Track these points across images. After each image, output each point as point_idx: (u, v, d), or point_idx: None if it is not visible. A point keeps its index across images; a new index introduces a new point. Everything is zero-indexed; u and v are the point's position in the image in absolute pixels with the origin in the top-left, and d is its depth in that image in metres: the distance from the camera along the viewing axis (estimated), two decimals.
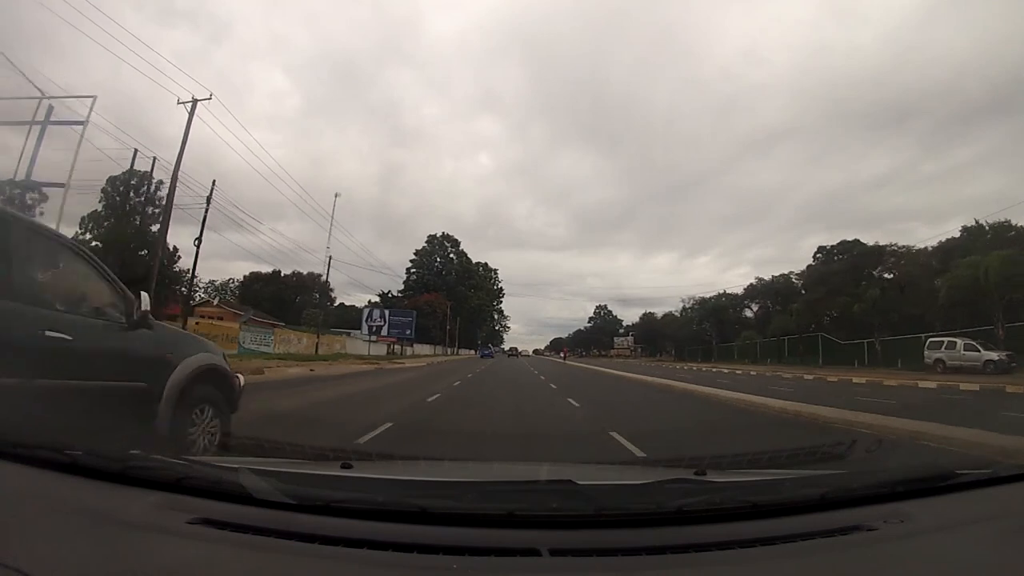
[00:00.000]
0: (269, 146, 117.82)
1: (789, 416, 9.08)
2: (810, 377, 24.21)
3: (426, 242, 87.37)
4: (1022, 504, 1.42)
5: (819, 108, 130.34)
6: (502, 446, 6.13)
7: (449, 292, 77.48)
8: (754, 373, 28.89)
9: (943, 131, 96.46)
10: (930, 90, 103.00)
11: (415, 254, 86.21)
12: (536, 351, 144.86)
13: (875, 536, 1.19)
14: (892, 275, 39.97)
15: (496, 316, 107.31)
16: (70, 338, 2.93)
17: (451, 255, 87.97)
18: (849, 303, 39.18)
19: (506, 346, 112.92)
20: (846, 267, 42.97)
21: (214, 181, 24.33)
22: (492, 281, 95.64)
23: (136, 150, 27.45)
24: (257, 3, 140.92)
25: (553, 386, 16.41)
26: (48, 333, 2.81)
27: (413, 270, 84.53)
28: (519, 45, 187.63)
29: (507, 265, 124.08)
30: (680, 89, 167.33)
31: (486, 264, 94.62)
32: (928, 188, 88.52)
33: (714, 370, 34.67)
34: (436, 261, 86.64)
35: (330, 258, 38.93)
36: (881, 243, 42.34)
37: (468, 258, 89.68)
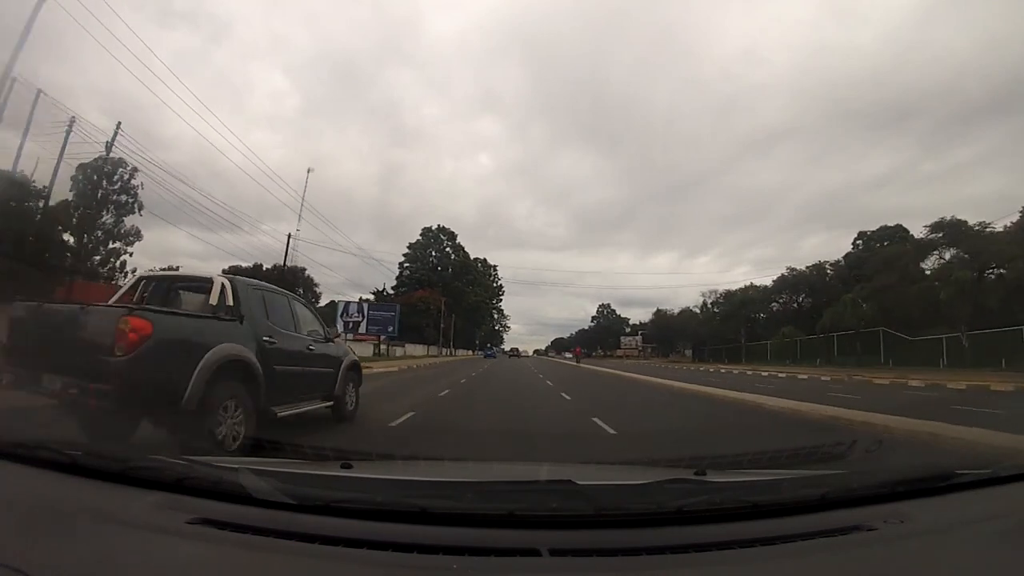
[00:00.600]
0: (269, 146, 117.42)
1: None
2: (920, 383, 17.35)
3: (420, 235, 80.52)
4: (1022, 504, 1.42)
5: (819, 108, 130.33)
6: None
7: (445, 288, 72.35)
8: (804, 377, 24.11)
9: (943, 131, 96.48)
10: (930, 90, 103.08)
11: (408, 247, 79.17)
12: (537, 351, 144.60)
13: (875, 536, 1.19)
14: (964, 256, 33.15)
15: (496, 315, 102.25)
16: (313, 349, 6.36)
17: (447, 249, 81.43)
18: (930, 290, 32.01)
19: (506, 346, 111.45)
20: (898, 251, 36.26)
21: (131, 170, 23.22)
22: (491, 278, 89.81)
23: (117, 127, 25.93)
24: (257, 3, 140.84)
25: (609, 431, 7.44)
26: (309, 347, 6.27)
27: (406, 264, 77.75)
28: (519, 45, 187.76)
29: (507, 265, 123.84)
30: (680, 89, 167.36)
31: (485, 260, 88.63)
32: (928, 188, 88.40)
33: (756, 373, 28.35)
34: (431, 255, 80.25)
35: (289, 236, 35.45)
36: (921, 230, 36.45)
37: (466, 252, 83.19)
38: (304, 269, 49.60)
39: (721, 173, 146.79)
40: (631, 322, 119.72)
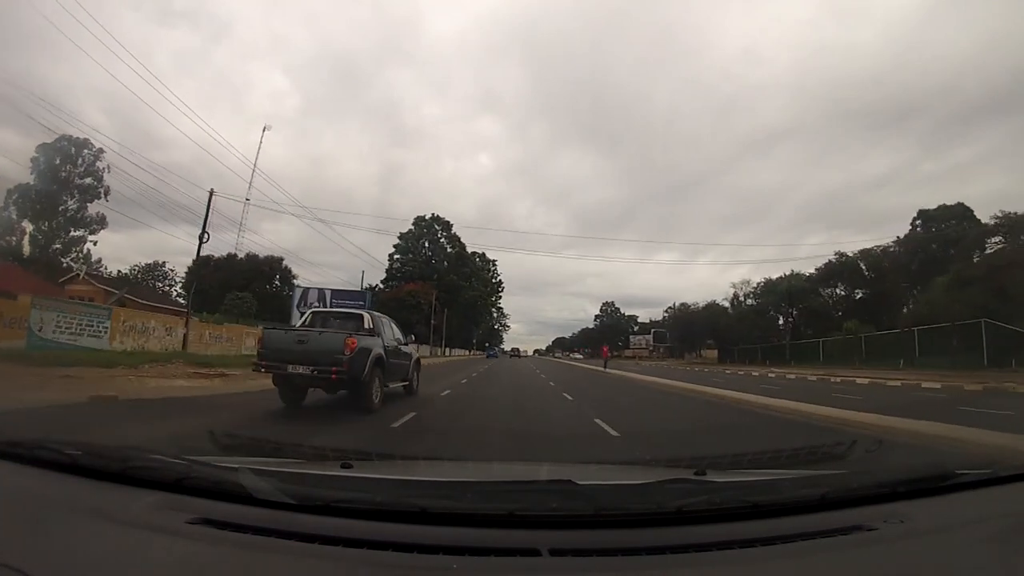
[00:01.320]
0: (268, 146, 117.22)
1: None
2: None
3: (413, 224, 72.72)
4: (1022, 504, 1.42)
5: (819, 108, 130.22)
6: None
7: (440, 283, 66.73)
8: (927, 385, 17.14)
9: (943, 131, 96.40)
10: (930, 90, 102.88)
11: (400, 238, 71.26)
12: (537, 351, 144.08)
13: (875, 536, 1.19)
14: None
15: (495, 314, 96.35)
16: (404, 349, 10.57)
17: (442, 240, 74.19)
18: None
19: (506, 346, 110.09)
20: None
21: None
22: (490, 273, 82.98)
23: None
24: (257, 3, 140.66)
25: None
26: (401, 348, 10.27)
27: (397, 256, 70.85)
28: (519, 45, 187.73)
29: (507, 265, 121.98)
30: (680, 89, 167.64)
31: (484, 254, 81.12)
32: (928, 188, 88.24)
33: (826, 379, 22.89)
34: (424, 247, 73.37)
35: (247, 201, 31.88)
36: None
37: (462, 244, 74.95)
38: (282, 259, 47.85)
39: (721, 173, 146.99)
40: (639, 320, 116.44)
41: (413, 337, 13.06)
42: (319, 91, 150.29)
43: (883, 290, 42.07)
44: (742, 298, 59.80)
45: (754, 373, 30.46)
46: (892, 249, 45.80)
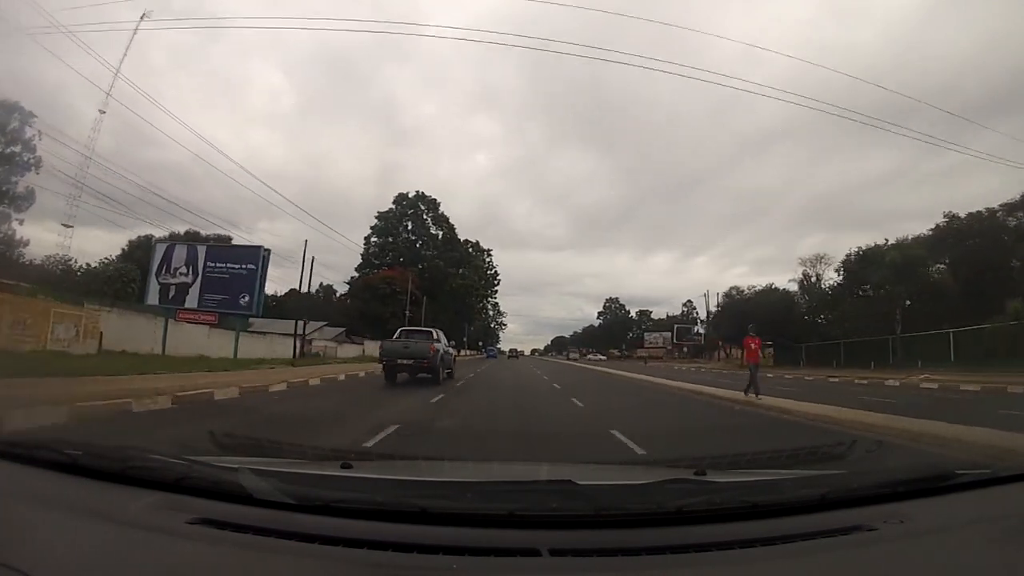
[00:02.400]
0: (265, 145, 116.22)
1: None
2: None
3: (393, 203, 61.53)
4: (1022, 504, 1.42)
5: (818, 107, 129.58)
6: None
7: (424, 270, 58.67)
8: None
9: (942, 130, 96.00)
10: (930, 90, 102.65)
11: (377, 217, 60.42)
12: (535, 351, 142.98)
13: (875, 536, 1.19)
14: None
15: (491, 311, 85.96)
16: (450, 351, 19.58)
17: (427, 221, 62.92)
18: None
19: (504, 346, 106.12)
20: None
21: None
22: (486, 265, 72.04)
23: None
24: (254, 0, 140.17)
25: None
26: (449, 349, 19.10)
27: (374, 240, 59.48)
28: (517, 43, 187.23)
29: (505, 265, 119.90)
30: (679, 88, 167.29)
31: (478, 243, 71.33)
32: (926, 187, 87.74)
33: None
34: (405, 229, 62.04)
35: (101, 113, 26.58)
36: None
37: (451, 225, 64.19)
38: (230, 238, 38.21)
39: (720, 173, 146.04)
40: (652, 315, 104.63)
41: (454, 343, 24.87)
42: (316, 89, 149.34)
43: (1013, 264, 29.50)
44: (813, 280, 43.77)
45: (889, 383, 19.49)
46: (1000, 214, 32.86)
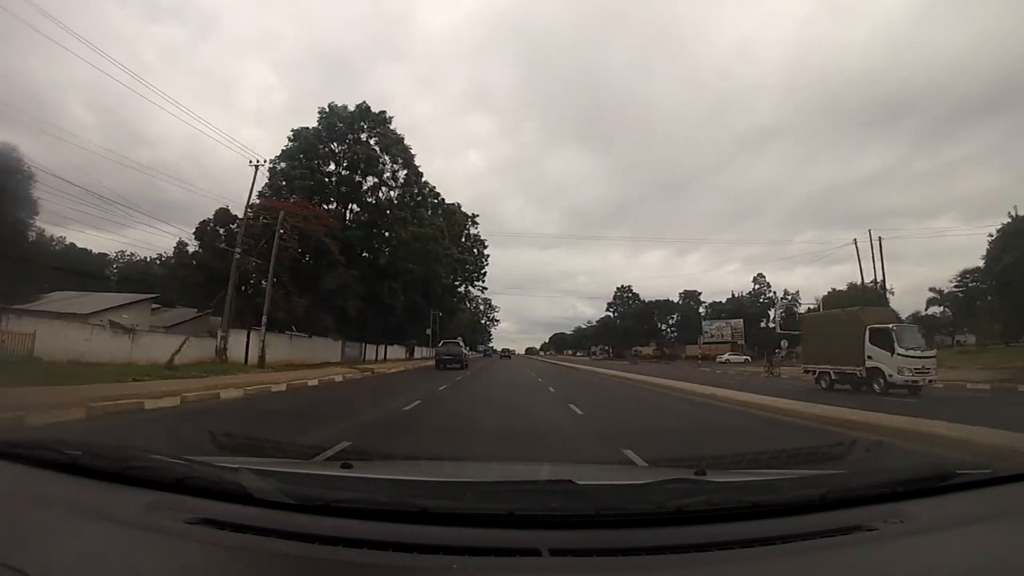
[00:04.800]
0: (258, 142, 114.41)
1: None
2: None
3: (319, 114, 36.75)
4: (1022, 504, 1.42)
5: (813, 106, 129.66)
6: None
7: (360, 216, 37.46)
8: None
9: (936, 129, 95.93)
10: (924, 88, 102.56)
11: (291, 136, 36.12)
12: (529, 350, 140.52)
13: (875, 536, 1.19)
14: None
15: (481, 303, 70.88)
16: (465, 352, 35.96)
17: (369, 141, 37.33)
18: None
19: (496, 344, 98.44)
20: None
21: None
22: (469, 239, 51.60)
23: None
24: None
25: None
26: (464, 350, 34.94)
27: (282, 166, 34.78)
28: (512, 42, 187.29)
29: (498, 263, 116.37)
30: (674, 87, 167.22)
31: (459, 205, 50.25)
32: (920, 186, 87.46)
33: None
34: (334, 153, 37.03)
35: None
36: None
37: (409, 154, 38.76)
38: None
39: (714, 171, 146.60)
40: (708, 303, 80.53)
41: (468, 346, 40.61)
42: (308, 87, 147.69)
43: None
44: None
45: None
46: None
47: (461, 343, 34.58)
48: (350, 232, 34.92)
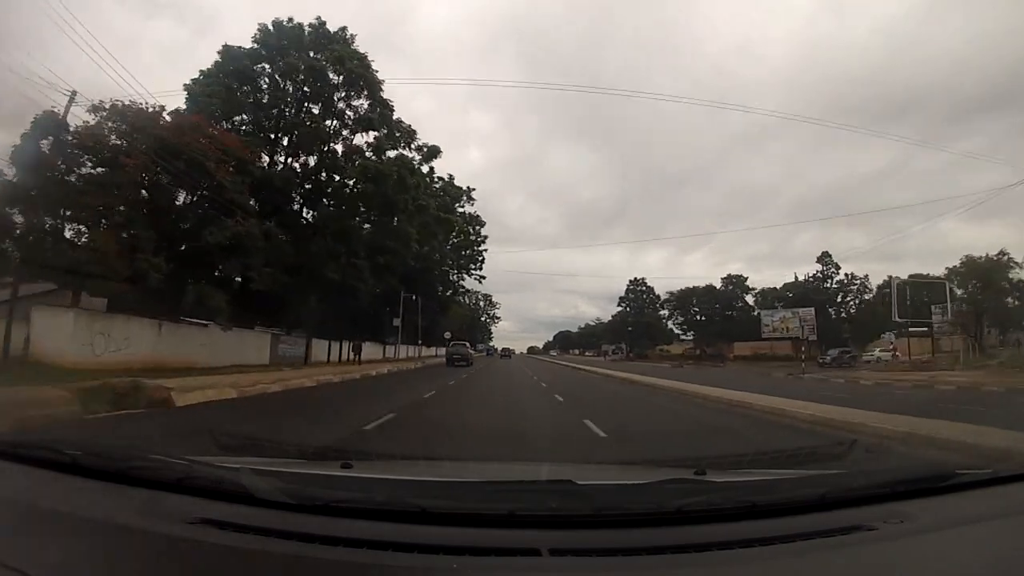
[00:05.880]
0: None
1: None
2: None
3: (258, 31, 24.98)
4: (1022, 504, 1.43)
5: (815, 104, 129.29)
6: None
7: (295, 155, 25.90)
8: None
9: (940, 127, 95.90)
10: (927, 86, 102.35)
11: (219, 55, 24.28)
12: (531, 349, 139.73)
13: (875, 536, 1.19)
14: None
15: (481, 299, 65.54)
16: (471, 352, 45.94)
17: (325, 66, 24.56)
18: None
19: (496, 343, 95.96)
20: None
21: None
22: (464, 218, 43.04)
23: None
24: None
25: None
26: (470, 351, 45.02)
27: (202, 95, 22.62)
28: (512, 39, 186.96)
29: (498, 262, 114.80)
30: (674, 84, 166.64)
31: (452, 177, 40.05)
32: (924, 184, 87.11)
33: None
34: (271, 72, 25.24)
35: None
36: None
37: (377, 82, 25.52)
38: None
39: (715, 169, 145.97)
40: (756, 289, 65.83)
41: (474, 347, 55.57)
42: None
43: None
44: None
45: None
46: None
47: (468, 345, 44.64)
48: (273, 173, 23.66)
